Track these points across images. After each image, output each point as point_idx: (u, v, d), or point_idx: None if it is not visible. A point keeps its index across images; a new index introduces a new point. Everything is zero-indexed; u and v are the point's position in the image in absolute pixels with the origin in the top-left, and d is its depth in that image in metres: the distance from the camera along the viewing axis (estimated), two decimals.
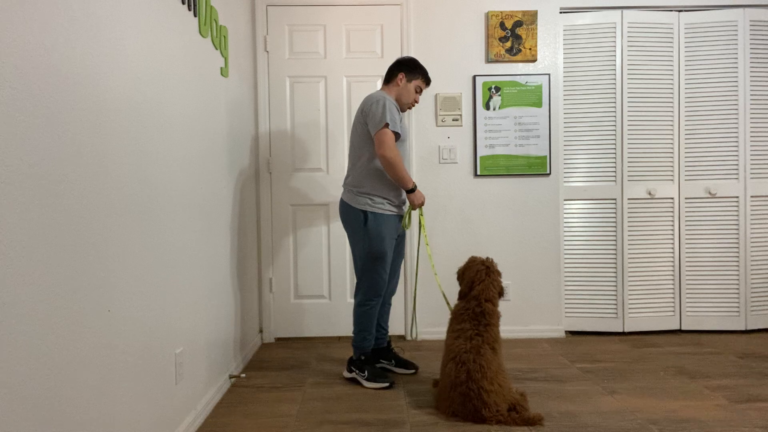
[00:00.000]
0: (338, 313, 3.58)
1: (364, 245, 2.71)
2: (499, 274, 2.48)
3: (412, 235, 3.52)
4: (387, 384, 2.68)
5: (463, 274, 2.52)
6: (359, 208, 2.70)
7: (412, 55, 3.50)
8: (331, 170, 3.56)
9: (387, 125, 2.60)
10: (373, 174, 2.70)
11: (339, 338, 3.59)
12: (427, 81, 2.84)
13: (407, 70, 2.78)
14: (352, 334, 2.85)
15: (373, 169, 2.70)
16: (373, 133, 2.64)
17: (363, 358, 2.75)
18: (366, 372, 2.71)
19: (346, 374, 2.82)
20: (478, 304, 2.36)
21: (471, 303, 2.37)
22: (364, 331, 2.76)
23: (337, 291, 3.59)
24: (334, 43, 3.53)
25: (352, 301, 3.57)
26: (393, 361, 2.92)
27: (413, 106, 2.87)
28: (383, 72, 3.51)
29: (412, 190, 2.70)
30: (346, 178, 2.81)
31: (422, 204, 2.75)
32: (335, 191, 3.53)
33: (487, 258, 2.53)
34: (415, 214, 3.43)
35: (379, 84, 3.54)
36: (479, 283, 2.39)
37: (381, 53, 3.54)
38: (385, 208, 2.70)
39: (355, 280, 3.52)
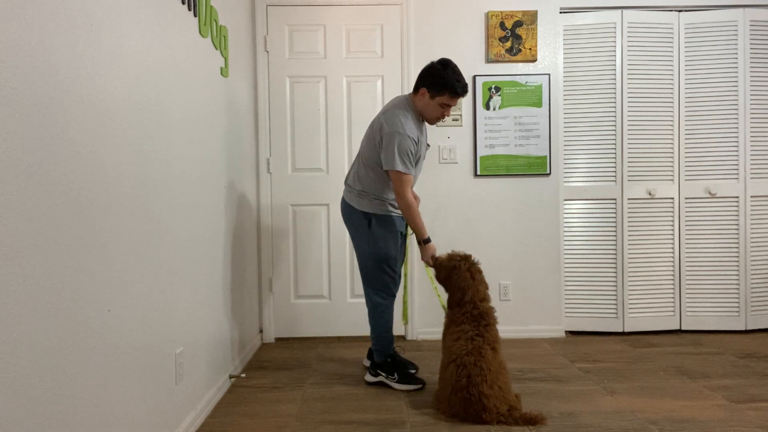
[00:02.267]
0: (338, 314, 3.58)
1: (369, 248, 2.66)
2: (480, 272, 2.47)
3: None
4: (420, 386, 2.64)
5: (447, 280, 2.50)
6: (362, 210, 2.65)
7: (412, 55, 3.48)
8: (331, 170, 3.56)
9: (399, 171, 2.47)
10: (378, 182, 2.61)
11: (339, 338, 3.59)
12: (457, 94, 2.49)
13: (431, 86, 2.49)
14: (370, 337, 2.79)
15: (380, 179, 2.61)
16: (384, 167, 2.53)
17: (389, 360, 2.70)
18: (396, 375, 2.67)
19: (371, 378, 2.75)
20: (474, 306, 2.37)
21: (467, 306, 2.38)
22: (382, 336, 2.71)
23: (337, 291, 3.59)
24: (334, 43, 3.53)
25: (352, 301, 3.57)
26: None
27: (442, 119, 2.61)
28: (383, 72, 3.52)
29: (427, 241, 2.59)
30: (348, 176, 2.75)
31: (432, 255, 2.58)
32: (335, 191, 3.53)
33: (468, 258, 2.48)
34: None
35: (380, 85, 3.53)
36: (469, 289, 2.39)
37: (381, 53, 3.53)
38: (388, 209, 2.66)
39: (355, 280, 3.53)
